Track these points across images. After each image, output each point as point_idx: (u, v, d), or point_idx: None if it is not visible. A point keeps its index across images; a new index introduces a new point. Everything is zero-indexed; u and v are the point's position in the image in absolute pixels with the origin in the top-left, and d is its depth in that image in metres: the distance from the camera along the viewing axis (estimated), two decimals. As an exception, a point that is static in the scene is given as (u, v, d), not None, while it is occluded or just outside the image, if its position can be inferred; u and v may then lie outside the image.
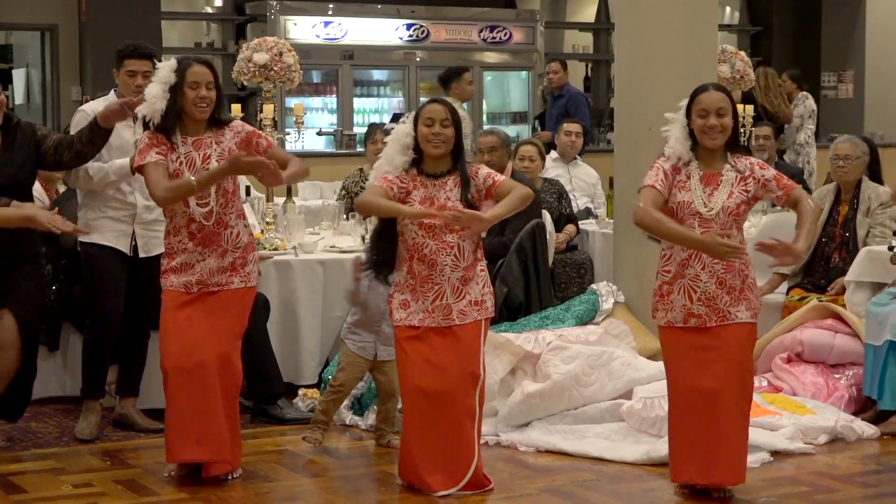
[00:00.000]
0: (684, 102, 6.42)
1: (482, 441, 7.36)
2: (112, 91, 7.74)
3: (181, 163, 6.63)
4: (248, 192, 9.94)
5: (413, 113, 6.73)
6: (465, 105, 14.02)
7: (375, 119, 16.51)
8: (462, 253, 6.53)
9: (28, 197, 7.25)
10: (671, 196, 6.39)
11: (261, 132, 6.91)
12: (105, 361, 7.80)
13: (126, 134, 7.55)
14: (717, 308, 6.31)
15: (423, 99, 17.95)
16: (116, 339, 7.86)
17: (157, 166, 6.58)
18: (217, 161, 6.61)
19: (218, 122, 6.76)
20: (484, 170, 6.68)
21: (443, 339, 6.55)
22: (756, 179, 6.33)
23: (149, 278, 7.64)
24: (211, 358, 6.62)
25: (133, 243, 7.64)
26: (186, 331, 6.68)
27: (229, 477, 6.75)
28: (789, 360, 8.28)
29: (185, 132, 6.70)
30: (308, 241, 9.09)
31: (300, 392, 8.37)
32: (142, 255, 7.65)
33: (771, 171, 6.38)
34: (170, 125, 6.65)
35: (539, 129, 15.55)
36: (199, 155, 6.66)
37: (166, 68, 6.71)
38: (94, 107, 7.72)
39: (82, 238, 7.62)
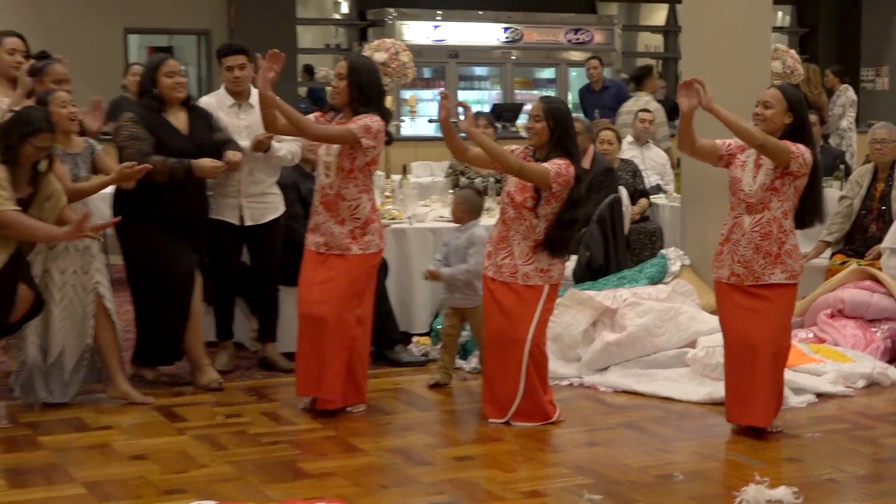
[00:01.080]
0: None
1: (566, 382, 7.41)
2: (222, 87, 7.81)
3: None
4: (404, 171, 9.94)
5: None
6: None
7: (476, 109, 16.48)
8: (533, 227, 6.50)
9: None
10: (730, 171, 6.36)
11: (368, 120, 6.64)
12: (227, 310, 7.83)
13: (231, 120, 7.63)
14: (752, 270, 6.26)
15: (517, 91, 18.06)
16: (251, 294, 7.95)
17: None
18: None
19: (356, 112, 6.68)
20: (559, 170, 6.43)
21: (508, 293, 6.54)
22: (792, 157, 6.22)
23: (263, 243, 7.73)
24: (328, 313, 6.61)
25: (241, 214, 7.67)
26: (312, 286, 6.71)
27: (353, 410, 6.80)
28: (832, 316, 8.20)
29: (342, 117, 6.71)
30: (420, 212, 9.10)
31: (413, 339, 8.39)
32: (249, 223, 7.64)
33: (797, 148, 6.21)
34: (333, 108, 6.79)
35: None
36: None
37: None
38: (207, 100, 7.89)
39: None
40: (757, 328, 6.27)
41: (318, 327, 6.65)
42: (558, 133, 6.50)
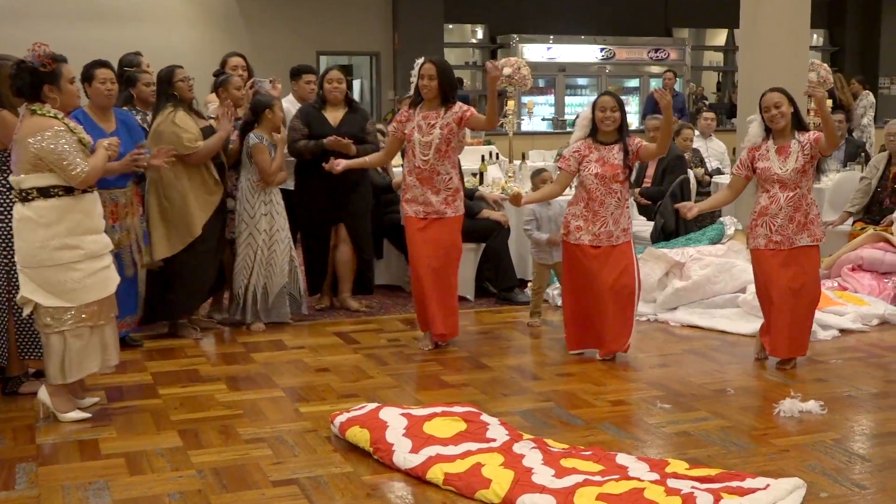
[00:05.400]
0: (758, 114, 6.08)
1: (644, 318, 7.29)
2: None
3: (414, 127, 6.39)
4: (523, 158, 9.85)
5: (591, 103, 6.41)
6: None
7: (579, 110, 16.31)
8: (622, 198, 6.27)
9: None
10: (755, 164, 6.03)
11: (469, 107, 6.40)
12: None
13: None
14: (787, 236, 5.97)
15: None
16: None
17: (390, 135, 6.55)
18: (440, 129, 6.29)
19: (446, 101, 6.36)
20: (636, 140, 6.27)
21: (600, 253, 6.20)
22: (811, 143, 5.91)
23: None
24: (437, 264, 6.37)
25: None
26: (420, 245, 6.39)
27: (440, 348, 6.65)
28: (853, 269, 8.00)
29: (423, 108, 6.41)
30: (535, 188, 9.00)
31: (528, 284, 8.29)
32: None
33: (815, 135, 5.93)
34: (414, 102, 6.45)
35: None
36: (425, 123, 6.34)
37: (415, 68, 6.45)
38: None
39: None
40: (793, 277, 5.97)
41: (425, 275, 6.38)
42: (624, 121, 6.27)
